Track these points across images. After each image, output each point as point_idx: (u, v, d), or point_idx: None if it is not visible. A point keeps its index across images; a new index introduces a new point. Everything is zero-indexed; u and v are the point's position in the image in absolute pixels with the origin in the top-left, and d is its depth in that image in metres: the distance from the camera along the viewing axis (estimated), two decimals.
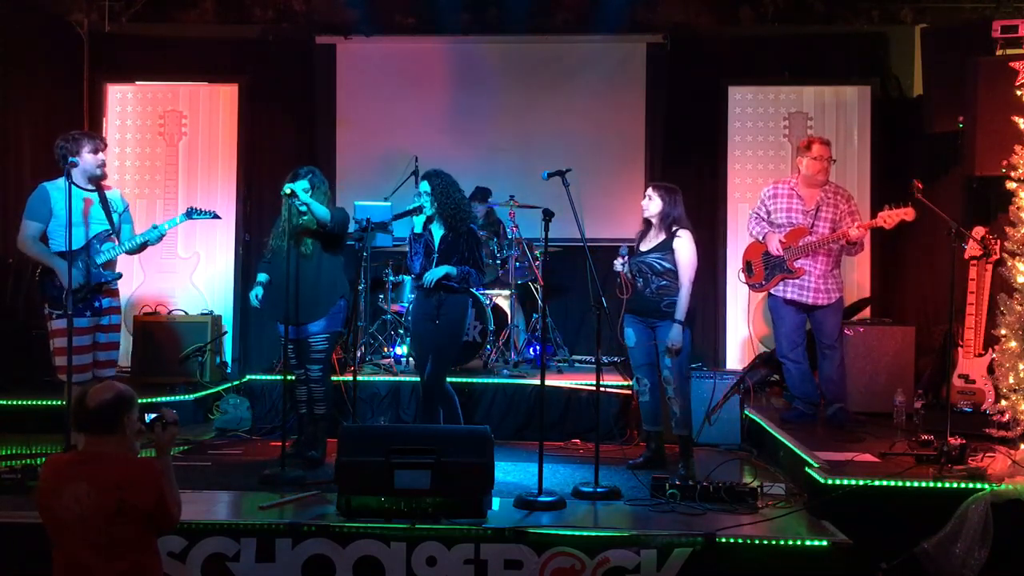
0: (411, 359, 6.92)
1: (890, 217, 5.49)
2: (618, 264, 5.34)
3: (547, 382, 5.61)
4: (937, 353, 6.19)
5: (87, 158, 5.18)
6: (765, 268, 5.95)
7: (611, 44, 8.13)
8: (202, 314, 7.55)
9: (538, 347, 7.15)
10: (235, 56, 8.27)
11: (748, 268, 6.07)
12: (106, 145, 5.39)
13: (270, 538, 4.10)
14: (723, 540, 4.07)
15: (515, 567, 4.06)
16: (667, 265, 5.32)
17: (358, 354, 6.59)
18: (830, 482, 4.44)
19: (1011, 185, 5.49)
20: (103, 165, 5.29)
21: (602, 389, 5.57)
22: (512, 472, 5.35)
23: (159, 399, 6.41)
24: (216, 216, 5.63)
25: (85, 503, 3.00)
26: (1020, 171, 5.44)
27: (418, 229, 5.50)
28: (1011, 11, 6.61)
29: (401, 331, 7.14)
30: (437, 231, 5.44)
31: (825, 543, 4.08)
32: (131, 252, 5.41)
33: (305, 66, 8.25)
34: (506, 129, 8.16)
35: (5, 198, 7.44)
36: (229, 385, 7.07)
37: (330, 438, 5.33)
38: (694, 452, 5.47)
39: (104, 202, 5.30)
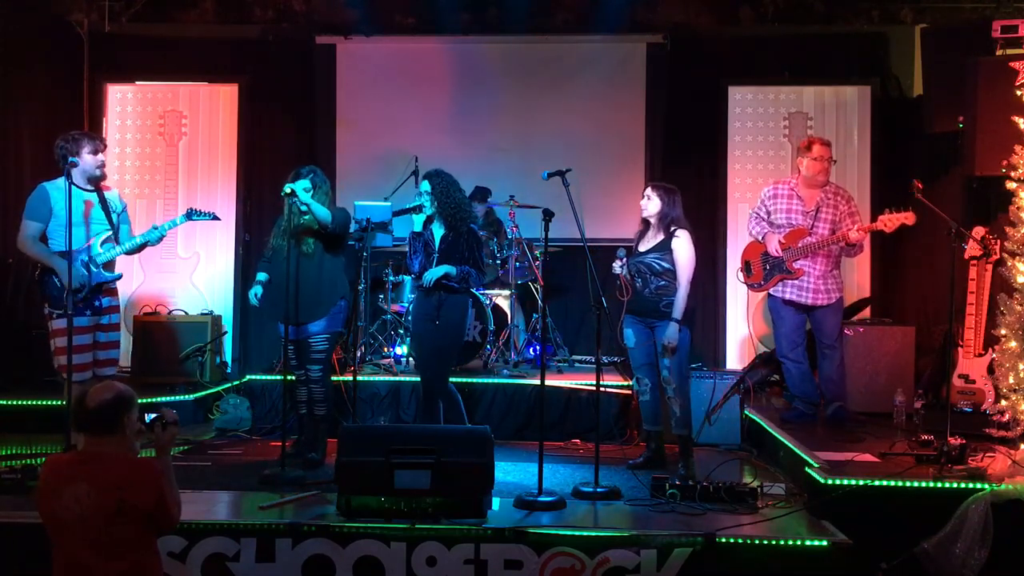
0: (411, 359, 6.92)
1: (891, 221, 5.50)
2: (617, 267, 5.34)
3: (547, 382, 5.61)
4: (937, 353, 6.19)
5: (87, 159, 5.18)
6: (764, 268, 5.95)
7: (611, 44, 8.13)
8: (202, 314, 7.55)
9: (538, 347, 7.15)
10: (235, 56, 8.28)
11: (747, 268, 6.07)
12: (106, 146, 5.40)
13: (270, 538, 4.10)
14: (723, 540, 4.07)
15: (515, 567, 4.06)
16: (666, 265, 5.32)
17: (358, 354, 6.59)
18: (830, 482, 4.44)
19: (1011, 185, 5.49)
20: (103, 166, 5.30)
21: (602, 389, 5.57)
22: (512, 472, 5.35)
23: (159, 399, 6.41)
24: (216, 218, 5.64)
25: (85, 503, 3.00)
26: (1020, 171, 5.44)
27: (418, 228, 5.49)
28: (1011, 11, 6.61)
29: (401, 331, 7.14)
30: (437, 231, 5.44)
31: (825, 543, 4.08)
32: (130, 252, 5.41)
33: (305, 66, 8.25)
34: (506, 129, 8.16)
35: (5, 198, 7.45)
36: (229, 385, 7.07)
37: (330, 438, 5.33)
38: (694, 452, 5.47)
39: (103, 203, 5.31)
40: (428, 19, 8.04)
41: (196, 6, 8.10)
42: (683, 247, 5.31)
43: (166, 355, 7.21)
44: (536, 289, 7.60)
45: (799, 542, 4.09)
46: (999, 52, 5.92)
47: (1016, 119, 5.52)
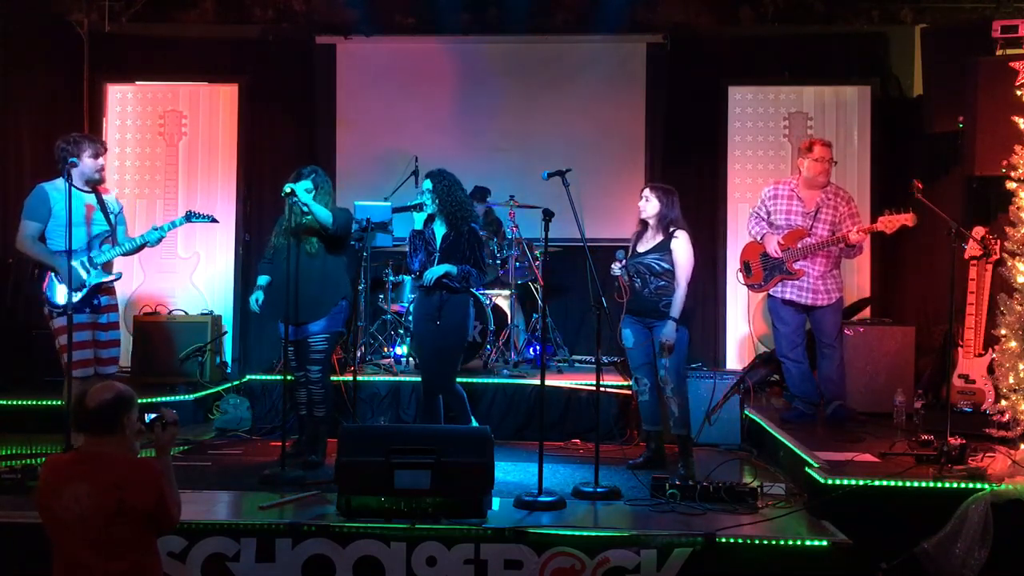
0: (411, 359, 6.93)
1: (891, 222, 5.50)
2: (616, 268, 5.35)
3: (547, 382, 5.61)
4: (937, 353, 6.19)
5: (87, 163, 5.21)
6: (764, 269, 5.95)
7: (611, 44, 8.13)
8: (202, 314, 7.56)
9: (538, 347, 7.15)
10: (235, 56, 8.28)
11: (747, 269, 6.07)
12: (106, 150, 5.42)
13: (270, 538, 4.10)
14: (723, 540, 4.07)
15: (515, 567, 4.05)
16: (665, 266, 5.32)
17: (358, 354, 6.59)
18: (830, 482, 4.44)
19: (1011, 185, 5.49)
20: (102, 170, 5.33)
21: (602, 389, 5.57)
22: (512, 472, 5.35)
23: (159, 399, 6.42)
24: (214, 220, 5.66)
25: (85, 503, 3.00)
26: (1020, 171, 5.44)
27: (418, 226, 5.50)
28: (1011, 11, 6.61)
29: (401, 331, 7.13)
30: (439, 229, 5.44)
31: (825, 543, 4.07)
32: (129, 253, 5.43)
33: (305, 66, 8.25)
34: (506, 129, 8.16)
35: (5, 198, 7.45)
36: (229, 385, 7.07)
37: (330, 438, 5.33)
38: (694, 452, 5.47)
39: (102, 204, 5.33)
40: (428, 19, 8.04)
41: (196, 6, 8.10)
42: (682, 248, 5.32)
43: (166, 355, 7.21)
44: (536, 289, 7.60)
45: (799, 542, 4.09)
46: (999, 52, 5.92)
47: (1016, 119, 5.52)
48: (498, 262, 7.25)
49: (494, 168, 7.93)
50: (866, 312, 7.50)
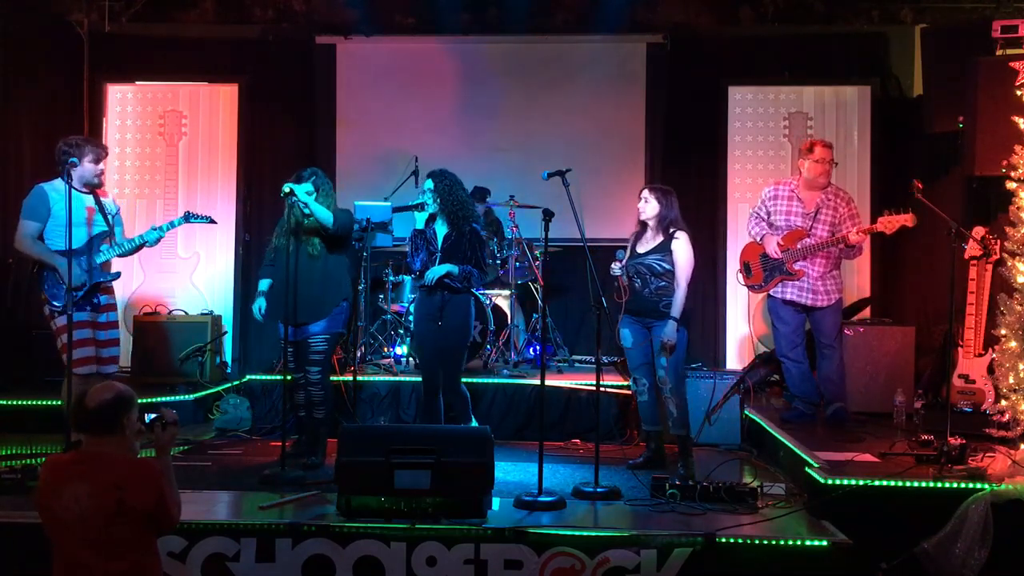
0: (411, 359, 6.93)
1: (890, 223, 5.49)
2: (616, 268, 5.35)
3: (547, 382, 5.61)
4: (937, 353, 6.19)
5: (87, 166, 5.23)
6: (764, 270, 5.95)
7: (611, 44, 8.13)
8: (202, 314, 7.55)
9: (538, 347, 7.15)
10: (235, 56, 8.28)
11: (746, 270, 6.06)
12: (107, 154, 5.44)
13: (270, 538, 4.10)
14: (723, 540, 4.07)
15: (515, 567, 4.05)
16: (667, 266, 5.32)
17: (358, 354, 6.59)
18: (830, 482, 4.44)
19: (1011, 185, 5.49)
20: (101, 174, 5.37)
21: (602, 389, 5.58)
22: (512, 472, 5.35)
23: (159, 399, 6.41)
24: (212, 221, 5.69)
25: (85, 503, 2.99)
26: (1020, 171, 5.44)
27: (419, 226, 5.50)
28: (1011, 11, 6.61)
29: (401, 331, 7.13)
30: (440, 229, 5.44)
31: (825, 543, 4.07)
32: (127, 253, 5.45)
33: (305, 66, 8.25)
34: (506, 129, 8.17)
35: (5, 198, 7.45)
36: (229, 385, 7.07)
37: (330, 439, 5.32)
38: (694, 452, 5.47)
39: (100, 205, 5.36)
40: (428, 19, 8.04)
41: (196, 6, 8.10)
42: (682, 249, 5.32)
43: (166, 355, 7.21)
44: (536, 289, 7.60)
45: (799, 542, 4.09)
46: (999, 52, 5.92)
47: (1016, 119, 5.52)
48: (498, 262, 7.25)
49: (494, 168, 7.93)
50: (866, 312, 7.50)
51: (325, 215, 5.19)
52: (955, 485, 4.38)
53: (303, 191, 5.19)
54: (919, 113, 7.06)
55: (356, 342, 6.63)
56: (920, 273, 7.33)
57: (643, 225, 5.46)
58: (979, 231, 5.50)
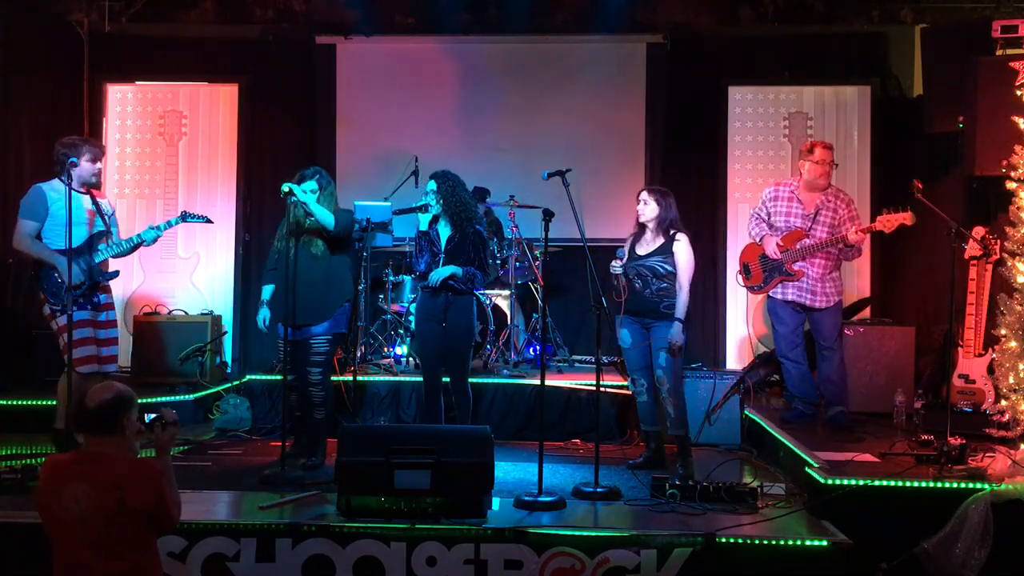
0: (411, 359, 6.93)
1: (889, 221, 5.49)
2: (616, 267, 5.34)
3: (547, 382, 5.61)
4: (937, 353, 6.19)
5: (84, 166, 5.26)
6: (763, 271, 5.94)
7: (611, 44, 8.13)
8: (202, 314, 7.55)
9: (538, 347, 7.15)
10: (235, 56, 8.28)
11: (746, 271, 6.06)
12: (104, 154, 5.45)
13: (270, 538, 4.10)
14: (723, 540, 4.07)
15: (515, 567, 4.05)
16: (668, 268, 5.32)
17: (358, 354, 6.58)
18: (830, 482, 4.44)
19: (1011, 185, 5.49)
20: (99, 174, 5.40)
21: (602, 389, 5.57)
22: (512, 472, 5.35)
23: (159, 399, 6.42)
24: (208, 221, 5.71)
25: (85, 503, 3.00)
26: (1020, 171, 5.44)
27: (423, 227, 5.49)
28: (1011, 11, 6.62)
29: (401, 331, 7.14)
30: (443, 231, 5.44)
31: (825, 543, 4.07)
32: (125, 253, 5.47)
33: (305, 66, 8.26)
34: (506, 129, 8.17)
35: (5, 198, 7.44)
36: (229, 385, 7.06)
37: (330, 439, 5.32)
38: (693, 452, 5.46)
39: (97, 205, 5.38)
40: (428, 19, 8.04)
41: (196, 6, 8.10)
42: (683, 251, 5.32)
43: (166, 355, 7.21)
44: (536, 289, 7.60)
45: (799, 542, 4.09)
46: (999, 52, 5.92)
47: (1016, 119, 5.52)
48: (498, 262, 7.25)
49: (494, 168, 7.93)
50: (866, 312, 7.50)
51: (325, 215, 5.18)
52: (955, 485, 4.39)
53: (305, 189, 5.18)
54: (919, 113, 7.06)
55: (356, 342, 6.63)
56: (920, 273, 7.33)
57: (641, 227, 5.45)
58: (979, 231, 5.51)
